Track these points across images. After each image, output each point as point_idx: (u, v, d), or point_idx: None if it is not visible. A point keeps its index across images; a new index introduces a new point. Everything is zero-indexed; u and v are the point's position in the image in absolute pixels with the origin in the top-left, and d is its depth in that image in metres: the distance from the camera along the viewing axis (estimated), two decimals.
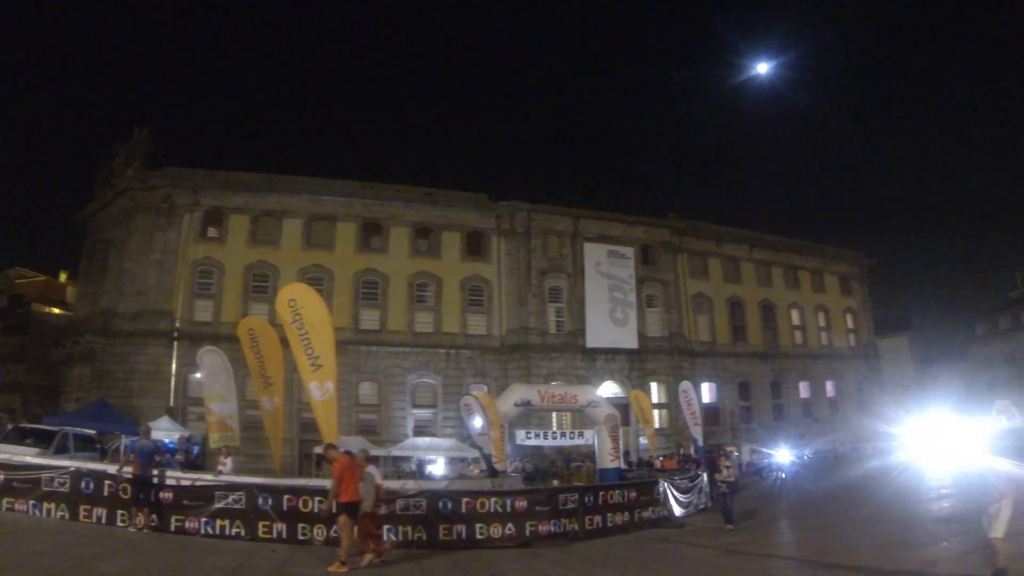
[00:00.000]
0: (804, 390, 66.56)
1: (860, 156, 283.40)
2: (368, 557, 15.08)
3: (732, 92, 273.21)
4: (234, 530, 16.72)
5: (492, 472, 30.92)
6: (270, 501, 17.24)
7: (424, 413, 48.13)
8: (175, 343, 44.14)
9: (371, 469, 16.03)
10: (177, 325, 44.73)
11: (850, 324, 74.16)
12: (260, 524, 17.03)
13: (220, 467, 23.22)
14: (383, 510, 16.55)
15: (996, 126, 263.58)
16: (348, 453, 15.85)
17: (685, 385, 39.62)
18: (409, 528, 17.83)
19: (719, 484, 24.05)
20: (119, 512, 17.38)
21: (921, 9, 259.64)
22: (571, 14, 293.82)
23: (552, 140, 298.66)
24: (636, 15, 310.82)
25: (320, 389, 19.01)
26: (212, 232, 47.53)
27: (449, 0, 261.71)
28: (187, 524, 17.10)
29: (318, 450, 34.50)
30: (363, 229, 50.18)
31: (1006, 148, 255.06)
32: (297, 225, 48.60)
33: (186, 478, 18.93)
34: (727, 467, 23.91)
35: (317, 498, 17.32)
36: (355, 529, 14.89)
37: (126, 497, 17.30)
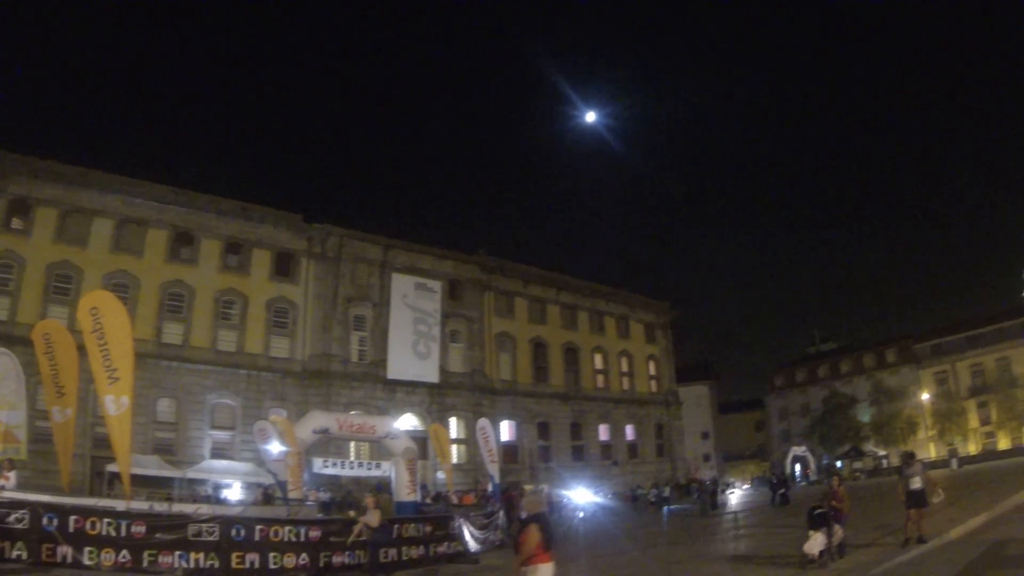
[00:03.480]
0: (604, 432, 68.61)
1: (671, 210, 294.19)
2: None
3: (553, 137, 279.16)
4: (15, 552, 15.51)
5: (267, 499, 30.62)
6: (56, 521, 16.14)
7: (222, 435, 46.68)
8: None
9: None
10: None
11: (652, 371, 76.94)
12: (44, 547, 15.91)
13: (2, 481, 22.15)
14: None
15: (800, 190, 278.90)
16: None
17: (483, 422, 39.97)
18: (201, 555, 17.22)
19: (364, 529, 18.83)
20: None
21: (737, 70, 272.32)
22: (398, 44, 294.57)
23: (369, 166, 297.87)
24: (462, 49, 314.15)
25: (115, 403, 18.42)
26: (16, 223, 44.02)
27: (275, 19, 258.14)
28: None
29: (112, 468, 33.34)
30: (174, 238, 48.31)
31: (811, 209, 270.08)
32: (107, 226, 45.99)
33: None
34: (374, 507, 18.92)
35: (106, 520, 16.71)
36: None
37: None
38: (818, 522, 16.39)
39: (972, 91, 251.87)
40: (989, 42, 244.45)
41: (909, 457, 19.92)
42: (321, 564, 18.97)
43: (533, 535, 10.17)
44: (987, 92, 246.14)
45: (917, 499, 18.00)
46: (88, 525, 16.53)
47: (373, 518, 18.52)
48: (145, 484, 35.55)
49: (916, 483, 18.23)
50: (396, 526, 22.16)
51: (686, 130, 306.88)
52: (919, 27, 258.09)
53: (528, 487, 48.64)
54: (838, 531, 16.85)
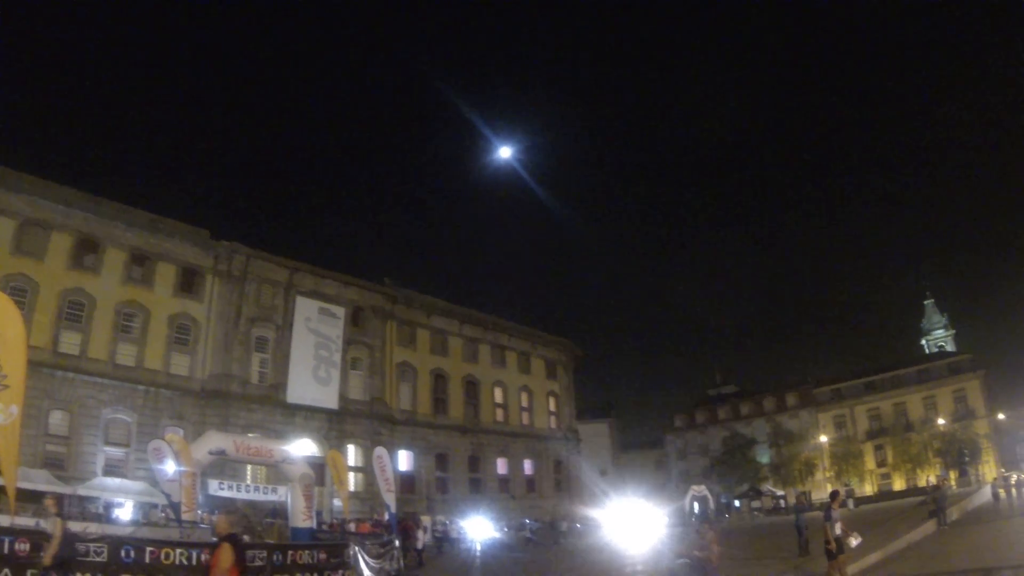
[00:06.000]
0: (502, 466, 69.21)
1: (577, 251, 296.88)
2: None
3: (465, 172, 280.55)
4: None
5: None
6: None
7: (116, 452, 45.00)
8: None
9: None
10: None
11: (552, 407, 77.77)
12: None
13: None
14: None
15: (702, 234, 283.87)
16: None
17: (380, 451, 39.29)
18: None
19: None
20: None
21: (643, 112, 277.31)
22: (314, 72, 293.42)
23: (280, 189, 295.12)
24: (376, 77, 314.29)
25: (3, 412, 17.77)
26: None
27: (194, 36, 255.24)
28: None
29: None
30: (78, 244, 46.56)
31: (714, 253, 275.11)
32: (9, 226, 43.79)
33: None
34: (55, 513, 15.91)
35: None
36: None
37: None
38: (685, 573, 14.49)
39: (873, 137, 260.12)
40: (885, 99, 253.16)
41: (833, 497, 18.97)
42: None
43: (226, 556, 9.88)
44: (887, 139, 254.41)
45: (840, 546, 17.15)
46: None
47: (54, 528, 15.18)
48: (32, 499, 34.14)
49: (839, 528, 17.18)
50: (290, 553, 21.82)
51: (593, 170, 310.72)
52: (809, 76, 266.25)
53: (425, 517, 48.39)
54: None
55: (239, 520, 11.78)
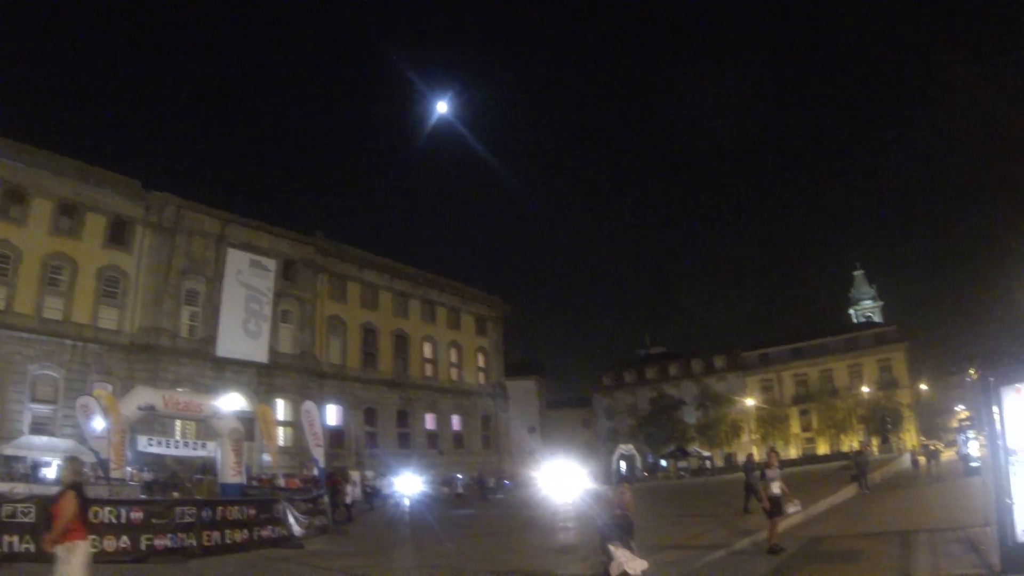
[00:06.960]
0: (431, 421, 69.87)
1: (508, 209, 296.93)
2: None
3: (401, 126, 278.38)
4: None
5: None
6: None
7: (43, 409, 44.34)
8: None
9: None
10: None
11: (481, 363, 78.54)
12: None
13: None
14: None
15: (635, 200, 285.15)
16: None
17: (308, 405, 38.96)
18: (16, 538, 16.36)
19: None
20: None
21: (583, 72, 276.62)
22: (247, 22, 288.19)
23: (212, 140, 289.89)
24: (311, 30, 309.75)
25: None
26: None
27: None
28: None
29: None
30: (4, 194, 45.13)
31: (647, 219, 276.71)
32: None
33: None
34: None
35: None
36: None
37: None
38: (617, 533, 13.20)
39: (807, 113, 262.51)
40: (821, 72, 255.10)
41: (771, 454, 18.99)
42: (143, 547, 18.23)
43: (70, 505, 9.48)
44: (821, 116, 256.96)
45: (777, 505, 16.95)
46: None
47: None
48: None
49: (776, 488, 17.23)
50: (220, 508, 21.80)
51: (529, 132, 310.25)
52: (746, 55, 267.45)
53: (354, 472, 48.57)
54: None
55: (81, 468, 11.42)
